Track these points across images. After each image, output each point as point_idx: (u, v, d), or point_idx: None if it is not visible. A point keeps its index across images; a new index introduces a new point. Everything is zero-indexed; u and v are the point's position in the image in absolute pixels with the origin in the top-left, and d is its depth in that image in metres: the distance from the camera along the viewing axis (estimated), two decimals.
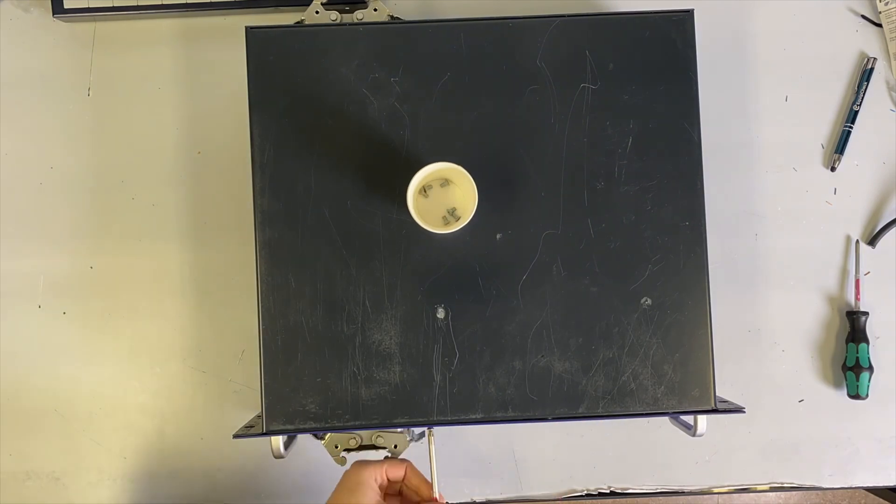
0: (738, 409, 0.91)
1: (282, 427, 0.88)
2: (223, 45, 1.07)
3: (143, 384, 1.06)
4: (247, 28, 0.91)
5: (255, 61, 0.90)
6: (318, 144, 0.90)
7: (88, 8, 1.04)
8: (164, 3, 1.04)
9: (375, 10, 0.98)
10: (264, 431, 0.88)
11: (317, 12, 0.98)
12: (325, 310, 0.88)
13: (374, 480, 0.89)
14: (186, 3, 1.04)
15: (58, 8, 1.03)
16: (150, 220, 1.06)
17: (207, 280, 1.06)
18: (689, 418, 0.93)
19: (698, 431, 0.92)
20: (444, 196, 0.91)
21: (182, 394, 1.06)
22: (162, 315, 1.06)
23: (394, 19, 0.99)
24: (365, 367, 0.88)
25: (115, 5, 1.04)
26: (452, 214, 0.91)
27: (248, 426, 0.93)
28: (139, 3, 1.04)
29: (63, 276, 1.06)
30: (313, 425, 0.88)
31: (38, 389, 1.06)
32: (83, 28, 1.07)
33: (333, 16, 0.98)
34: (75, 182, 1.06)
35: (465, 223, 0.84)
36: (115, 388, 1.06)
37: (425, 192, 0.92)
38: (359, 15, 0.98)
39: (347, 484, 0.89)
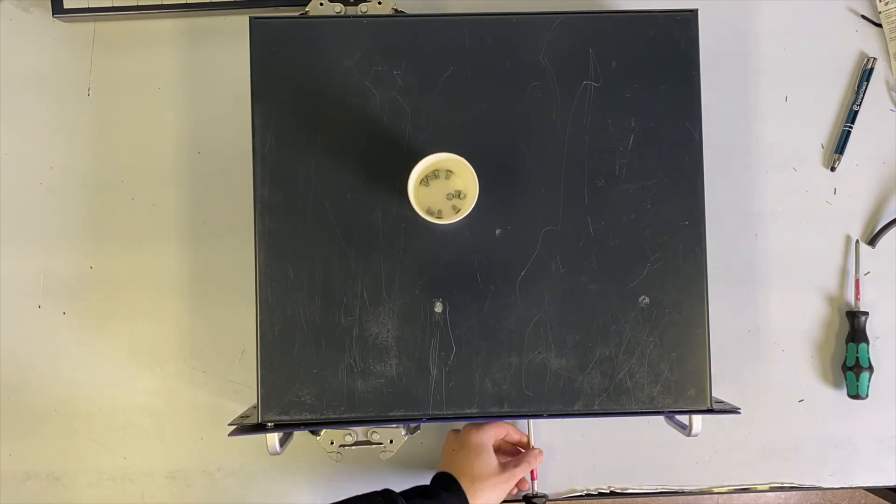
0: (734, 410, 0.90)
1: (277, 418, 0.88)
2: (223, 45, 1.07)
3: (143, 384, 1.06)
4: (251, 18, 0.90)
5: (258, 51, 0.90)
6: (320, 136, 0.90)
7: (88, 8, 1.04)
8: (164, 3, 1.04)
9: (380, 3, 0.98)
10: (259, 421, 0.87)
11: (321, 4, 0.98)
12: (323, 301, 0.88)
13: (491, 442, 0.96)
14: (186, 3, 1.05)
15: (58, 8, 1.04)
16: (150, 220, 1.06)
17: (207, 280, 1.06)
18: (683, 419, 0.93)
19: (693, 431, 0.92)
20: (444, 188, 0.91)
21: (182, 394, 1.06)
22: (162, 315, 1.06)
23: (398, 13, 0.99)
24: (362, 359, 0.88)
25: (115, 5, 1.04)
26: (458, 196, 0.91)
27: (243, 416, 0.93)
28: (139, 3, 1.04)
29: (63, 276, 1.06)
30: (309, 416, 0.87)
31: (38, 389, 1.06)
32: (83, 28, 1.07)
33: (338, 8, 0.97)
34: (75, 182, 1.06)
35: (466, 214, 0.84)
36: (115, 388, 1.06)
37: (427, 181, 0.92)
38: (363, 8, 0.97)
39: (471, 447, 0.94)
